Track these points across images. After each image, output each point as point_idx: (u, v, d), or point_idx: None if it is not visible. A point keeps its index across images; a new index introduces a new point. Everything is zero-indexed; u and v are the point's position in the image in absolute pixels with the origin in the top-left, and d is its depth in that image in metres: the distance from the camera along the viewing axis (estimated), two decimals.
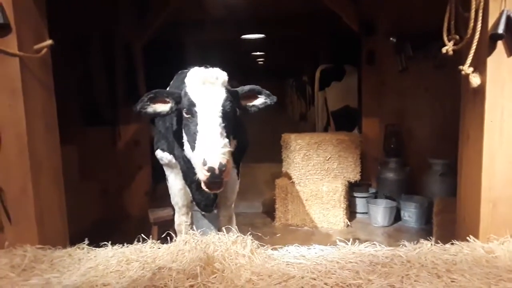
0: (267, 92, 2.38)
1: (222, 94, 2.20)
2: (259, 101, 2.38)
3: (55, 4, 2.86)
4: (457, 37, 2.49)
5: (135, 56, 5.51)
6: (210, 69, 2.28)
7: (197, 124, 2.15)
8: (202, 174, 2.02)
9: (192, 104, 2.19)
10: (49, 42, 2.53)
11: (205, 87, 2.21)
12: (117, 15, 5.23)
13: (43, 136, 2.57)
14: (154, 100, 2.30)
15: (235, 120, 2.32)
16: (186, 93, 2.24)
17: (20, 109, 2.37)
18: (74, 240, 2.61)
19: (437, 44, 2.68)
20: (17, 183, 2.40)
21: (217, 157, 1.97)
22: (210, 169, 1.96)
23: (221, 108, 2.17)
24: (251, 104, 2.39)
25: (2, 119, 2.35)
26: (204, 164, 1.98)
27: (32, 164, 2.41)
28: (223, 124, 2.13)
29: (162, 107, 2.32)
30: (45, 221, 2.47)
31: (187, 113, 2.22)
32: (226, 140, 2.09)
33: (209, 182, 2.02)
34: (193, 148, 2.18)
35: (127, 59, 5.39)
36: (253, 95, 2.38)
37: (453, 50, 2.52)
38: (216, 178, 1.97)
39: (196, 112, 2.18)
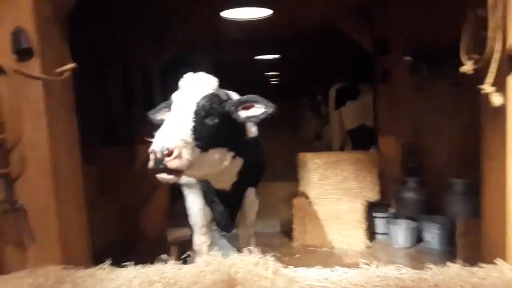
0: (266, 100, 2.23)
1: (201, 93, 2.15)
2: (258, 110, 2.24)
3: (76, 27, 2.94)
4: (476, 56, 2.47)
5: (153, 77, 5.60)
6: (198, 73, 2.29)
7: None
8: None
9: (172, 103, 2.18)
10: (72, 65, 2.58)
11: (187, 88, 2.21)
12: (135, 38, 5.35)
13: (66, 156, 2.61)
14: (167, 109, 2.30)
15: (228, 131, 2.22)
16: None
17: (43, 131, 2.42)
18: (93, 259, 2.62)
19: (452, 62, 2.67)
20: (40, 203, 2.43)
21: (161, 140, 1.84)
22: (151, 152, 1.83)
23: (195, 104, 2.09)
24: (250, 115, 2.25)
25: (26, 140, 2.40)
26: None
27: (55, 185, 2.44)
28: (194, 119, 2.03)
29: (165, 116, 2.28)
30: (67, 241, 2.49)
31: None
32: (188, 131, 1.96)
33: (153, 169, 1.86)
34: None
35: (145, 80, 5.48)
36: (251, 104, 2.25)
37: (472, 69, 2.51)
38: (159, 163, 1.82)
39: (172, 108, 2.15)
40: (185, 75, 2.28)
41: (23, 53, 2.37)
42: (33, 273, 2.16)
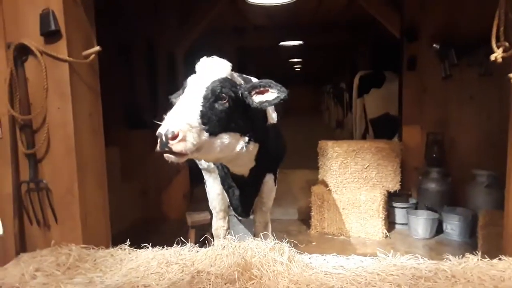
0: (279, 85, 2.19)
1: (212, 78, 2.13)
2: (271, 96, 2.19)
3: (102, 13, 2.97)
4: (507, 44, 2.39)
5: (177, 63, 5.63)
6: (212, 57, 2.27)
7: None
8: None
9: (185, 87, 2.18)
10: (97, 48, 2.63)
11: (200, 72, 2.20)
12: (160, 24, 5.38)
13: (89, 138, 2.67)
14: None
15: (241, 116, 2.19)
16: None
17: (68, 112, 2.48)
18: (114, 240, 2.69)
19: (482, 51, 2.58)
20: (63, 183, 2.50)
21: (167, 123, 1.85)
22: (158, 135, 1.84)
23: (205, 88, 2.08)
24: (263, 100, 2.20)
25: (51, 120, 2.47)
26: None
27: (79, 165, 2.51)
28: (203, 103, 2.01)
29: None
30: (89, 221, 2.56)
31: None
32: (196, 115, 1.96)
33: (160, 151, 1.87)
34: None
35: (169, 66, 5.52)
36: (265, 89, 2.21)
37: (502, 58, 2.42)
38: (164, 146, 1.83)
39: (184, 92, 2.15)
40: (201, 60, 2.28)
41: (50, 35, 2.42)
42: (55, 251, 2.25)
